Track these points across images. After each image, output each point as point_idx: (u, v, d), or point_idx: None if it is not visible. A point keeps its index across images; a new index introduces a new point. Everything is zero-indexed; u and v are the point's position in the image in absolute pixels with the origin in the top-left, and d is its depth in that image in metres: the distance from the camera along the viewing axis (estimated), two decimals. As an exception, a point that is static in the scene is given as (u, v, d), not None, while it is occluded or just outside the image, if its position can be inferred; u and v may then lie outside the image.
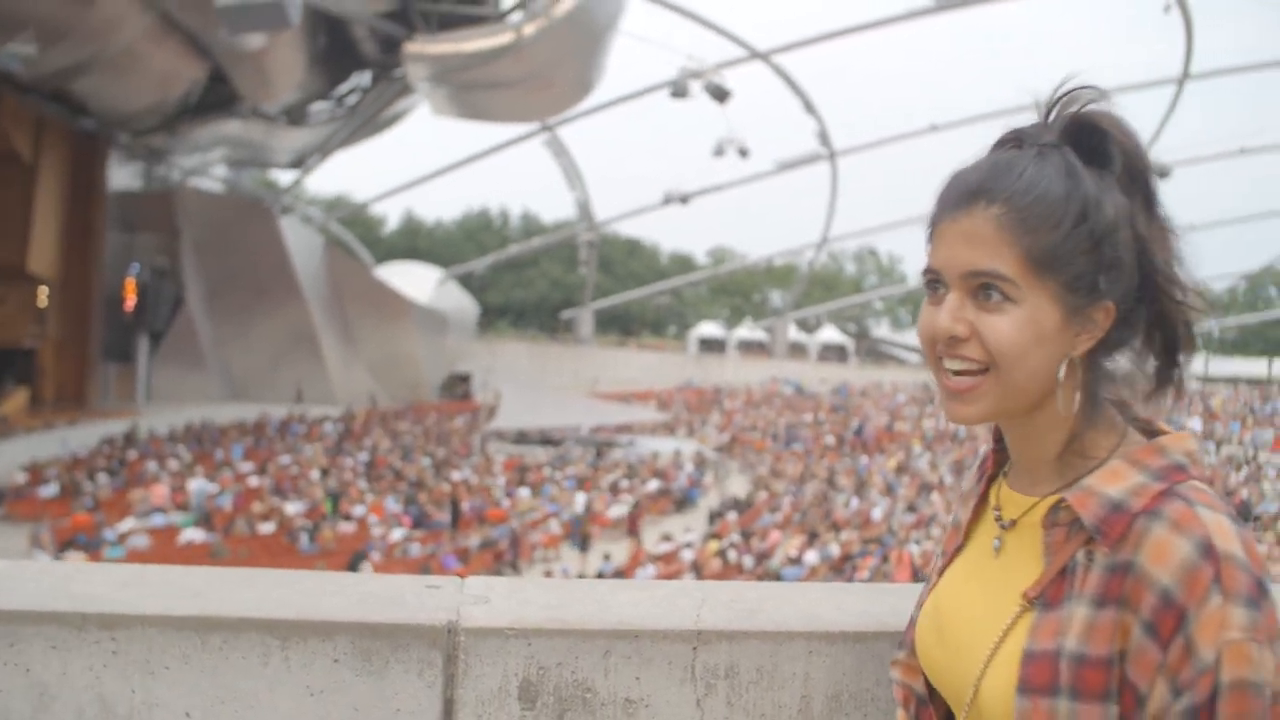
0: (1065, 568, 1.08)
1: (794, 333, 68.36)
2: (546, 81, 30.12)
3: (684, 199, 45.90)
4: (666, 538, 20.81)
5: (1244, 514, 22.06)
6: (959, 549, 1.27)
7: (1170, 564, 0.99)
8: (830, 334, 72.74)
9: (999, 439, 1.27)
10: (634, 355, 61.44)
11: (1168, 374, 1.14)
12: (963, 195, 1.10)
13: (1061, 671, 1.03)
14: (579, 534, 21.30)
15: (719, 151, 35.65)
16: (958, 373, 1.12)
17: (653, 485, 27.29)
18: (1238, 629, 0.96)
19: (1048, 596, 1.08)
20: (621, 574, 17.05)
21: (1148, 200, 1.10)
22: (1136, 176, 1.10)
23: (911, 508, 24.88)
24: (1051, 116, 1.13)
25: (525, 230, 70.54)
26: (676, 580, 2.07)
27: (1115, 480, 1.08)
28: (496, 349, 54.40)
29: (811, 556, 18.24)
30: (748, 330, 71.85)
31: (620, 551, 19.88)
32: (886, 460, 32.65)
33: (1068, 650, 1.03)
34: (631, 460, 32.09)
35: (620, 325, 74.84)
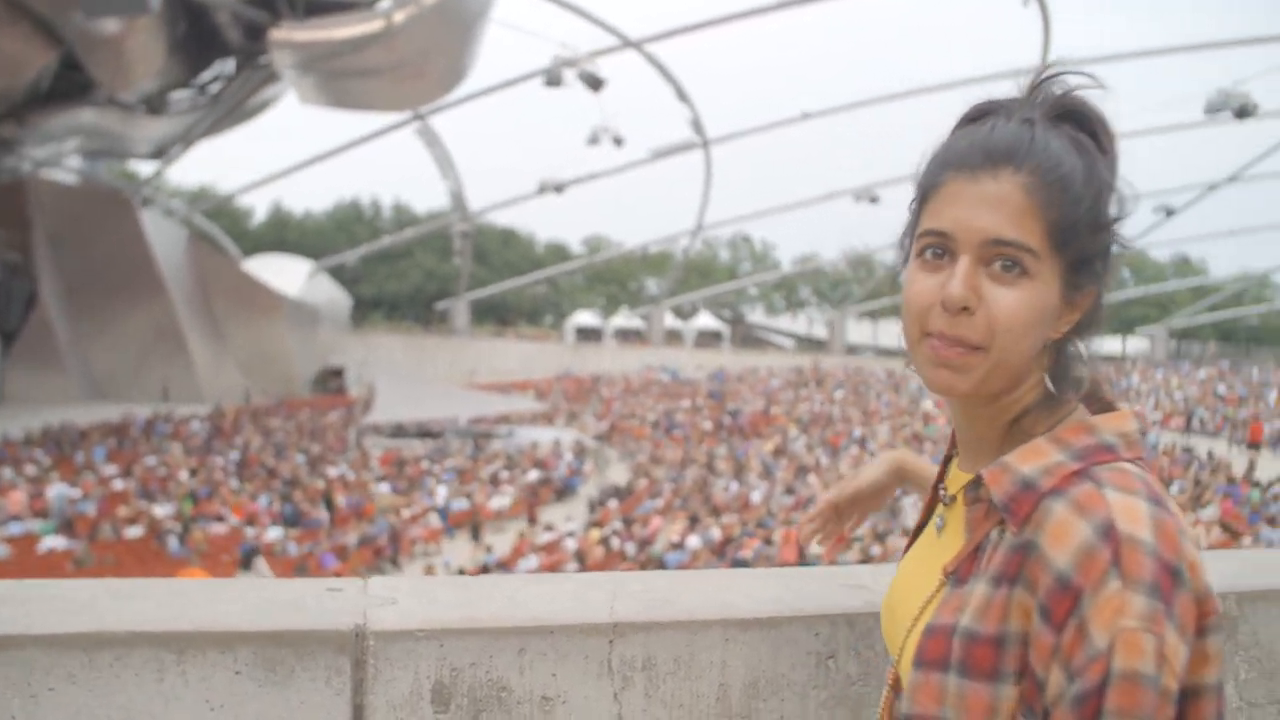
0: (979, 545, 1.07)
1: (670, 320, 68.85)
2: (418, 69, 29.59)
3: (559, 188, 45.70)
4: (549, 527, 20.75)
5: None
6: (920, 528, 1.27)
7: (1068, 546, 0.95)
8: (706, 320, 73.46)
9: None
10: (511, 345, 61.03)
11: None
12: (988, 156, 1.03)
13: (954, 648, 1.02)
14: (471, 525, 21.18)
15: (593, 140, 35.60)
16: (944, 344, 1.04)
17: (533, 475, 27.19)
18: (1134, 617, 0.91)
19: (960, 573, 1.07)
20: (504, 566, 16.94)
21: (1117, 189, 1.08)
22: (1113, 165, 1.08)
23: (790, 490, 25.30)
24: (1038, 96, 1.08)
25: (398, 221, 69.30)
26: (587, 573, 2.01)
27: (1032, 458, 1.04)
28: (371, 342, 53.43)
29: (693, 541, 18.40)
30: (624, 318, 72.09)
31: (502, 543, 19.75)
32: (764, 444, 33.16)
33: (962, 627, 1.02)
34: (511, 451, 31.91)
35: (496, 315, 74.24)
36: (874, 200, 45.71)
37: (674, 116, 39.77)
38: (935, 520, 1.21)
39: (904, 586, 1.20)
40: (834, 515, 1.61)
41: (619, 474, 29.93)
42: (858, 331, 73.85)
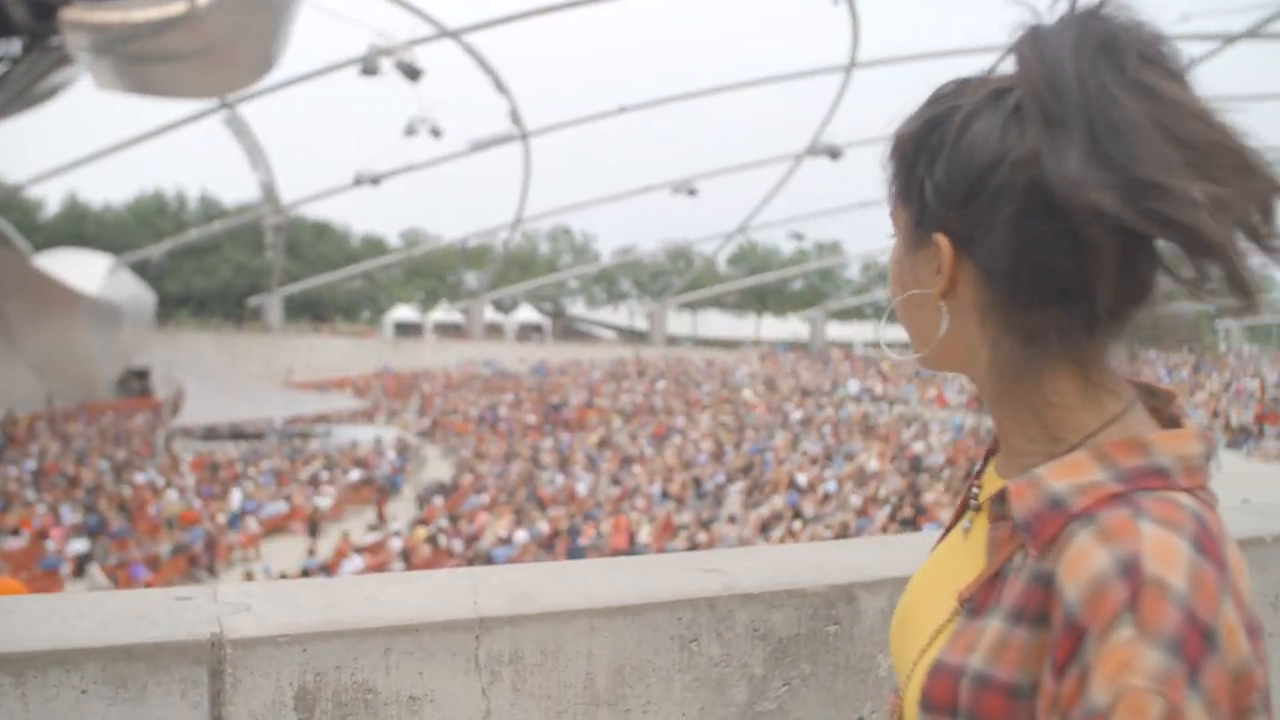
0: (1000, 570, 0.93)
1: (491, 314, 68.39)
2: (225, 55, 28.38)
3: (375, 180, 44.75)
4: (373, 527, 20.32)
5: (915, 467, 24.15)
6: (945, 533, 1.13)
7: (1080, 577, 0.80)
8: (527, 314, 73.30)
9: None
10: (328, 342, 59.41)
11: (1106, 318, 0.96)
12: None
13: (963, 692, 0.89)
14: (310, 523, 20.60)
15: (411, 131, 34.99)
16: None
17: (354, 475, 26.57)
18: (1144, 675, 0.75)
19: (976, 602, 0.93)
20: (327, 569, 16.50)
21: (1050, 106, 0.89)
22: (1029, 84, 0.91)
23: (615, 481, 25.50)
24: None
25: (205, 214, 66.28)
26: (446, 569, 1.97)
27: (1068, 473, 0.89)
28: (178, 341, 51.03)
29: (521, 535, 18.34)
30: (444, 313, 71.21)
31: (324, 545, 19.23)
32: (588, 436, 33.31)
33: (972, 669, 0.88)
34: (330, 450, 31.10)
35: (312, 311, 72.12)
36: (692, 193, 46.49)
37: (494, 108, 39.43)
38: (963, 524, 1.07)
39: (917, 602, 1.06)
40: None
41: (443, 470, 29.57)
42: (678, 322, 74.98)
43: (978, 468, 1.10)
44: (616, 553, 18.38)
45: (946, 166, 0.92)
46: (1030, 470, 0.91)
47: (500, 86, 38.64)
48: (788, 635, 1.66)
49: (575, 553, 16.71)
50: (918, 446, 27.18)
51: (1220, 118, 0.85)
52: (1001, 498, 0.96)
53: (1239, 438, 28.55)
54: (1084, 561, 0.80)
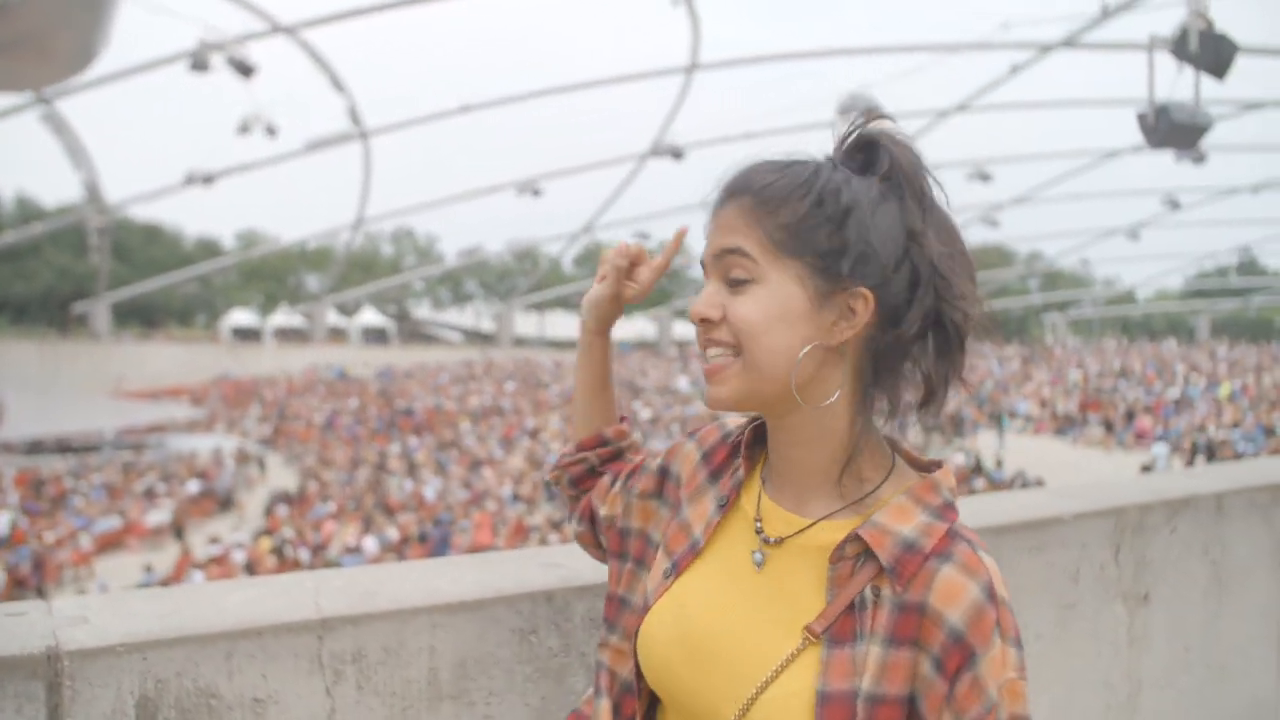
0: (852, 603, 1.07)
1: (334, 317, 66.84)
2: (40, 47, 26.90)
3: (208, 179, 43.11)
4: (215, 540, 19.66)
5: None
6: (696, 551, 1.23)
7: (960, 606, 1.03)
8: (371, 317, 71.93)
9: (749, 444, 1.27)
10: (161, 349, 57.13)
11: (933, 380, 1.15)
12: (721, 195, 1.17)
13: (858, 713, 1.02)
14: (174, 529, 19.72)
15: (244, 129, 33.83)
16: (714, 357, 1.14)
17: (193, 486, 25.61)
18: (1013, 668, 1.04)
19: (834, 633, 1.06)
20: (169, 584, 15.89)
21: (919, 200, 1.12)
22: (903, 178, 1.12)
23: (465, 484, 25.29)
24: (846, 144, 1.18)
25: (21, 215, 62.80)
26: (291, 573, 1.96)
27: (904, 519, 1.09)
28: (-5, 350, 48.30)
29: (370, 543, 18.04)
30: (285, 316, 69.27)
31: (162, 560, 18.51)
32: (436, 439, 32.93)
33: (865, 691, 1.02)
34: (167, 462, 29.91)
35: (142, 317, 69.18)
36: (537, 193, 46.32)
37: (332, 106, 38.50)
38: (754, 555, 1.17)
39: (718, 631, 1.14)
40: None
41: (287, 479, 28.77)
42: (525, 324, 74.75)
43: (715, 494, 1.26)
44: (479, 549, 18.27)
45: (877, 236, 1.10)
46: (870, 521, 1.10)
47: (338, 84, 37.76)
48: (623, 624, 1.73)
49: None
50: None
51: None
52: (844, 544, 1.10)
53: (1064, 425, 30.16)
54: (960, 593, 1.04)
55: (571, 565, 1.80)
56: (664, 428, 32.22)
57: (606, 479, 1.49)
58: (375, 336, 69.50)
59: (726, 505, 1.23)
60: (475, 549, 17.97)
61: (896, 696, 1.03)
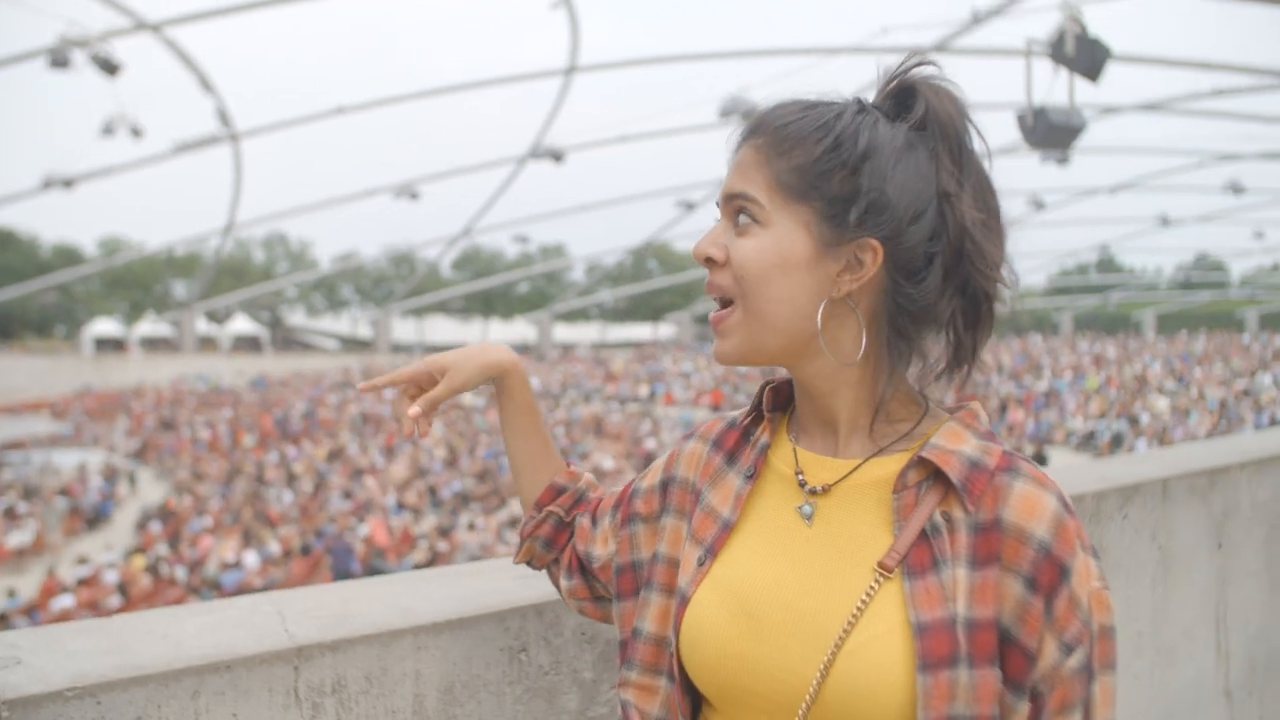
0: (923, 531, 1.02)
1: (204, 326, 64.68)
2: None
3: (68, 183, 41.26)
4: (83, 560, 18.73)
5: (649, 463, 24.73)
6: (729, 529, 1.15)
7: (1043, 519, 0.99)
8: (243, 324, 69.91)
9: (772, 406, 1.22)
10: (18, 361, 54.39)
11: (962, 347, 1.10)
12: (743, 133, 1.10)
13: (959, 640, 0.97)
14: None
15: (108, 131, 32.44)
16: (719, 308, 1.10)
17: (59, 504, 24.41)
18: (1096, 578, 1.00)
19: (911, 564, 1.01)
20: (33, 610, 15.07)
21: (955, 155, 1.06)
22: (939, 130, 1.06)
23: (347, 494, 24.68)
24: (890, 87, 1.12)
25: None
26: (245, 596, 1.77)
27: (961, 441, 1.06)
28: None
29: (251, 558, 17.41)
30: (151, 326, 66.83)
31: (26, 584, 17.56)
32: (315, 449, 32.09)
33: (962, 616, 0.97)
34: (28, 479, 28.46)
35: (-4, 328, 65.94)
36: (415, 196, 45.61)
37: (201, 107, 37.17)
38: (801, 510, 1.11)
39: (780, 595, 1.07)
40: (425, 381, 1.38)
41: (159, 493, 27.68)
42: (404, 329, 73.65)
43: (738, 471, 1.19)
44: (375, 546, 17.83)
45: (894, 186, 1.03)
46: (930, 444, 1.06)
47: (206, 84, 36.55)
48: (615, 637, 1.62)
49: (342, 570, 15.89)
50: (650, 444, 27.84)
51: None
52: (905, 471, 1.06)
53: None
54: (1040, 505, 1.00)
55: (541, 575, 1.68)
56: (548, 430, 32.00)
57: (585, 521, 1.38)
58: (248, 345, 67.56)
59: (755, 475, 1.17)
60: (369, 546, 17.59)
61: (990, 619, 0.98)
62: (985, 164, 1.10)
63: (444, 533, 19.07)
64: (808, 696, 0.99)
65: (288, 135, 42.76)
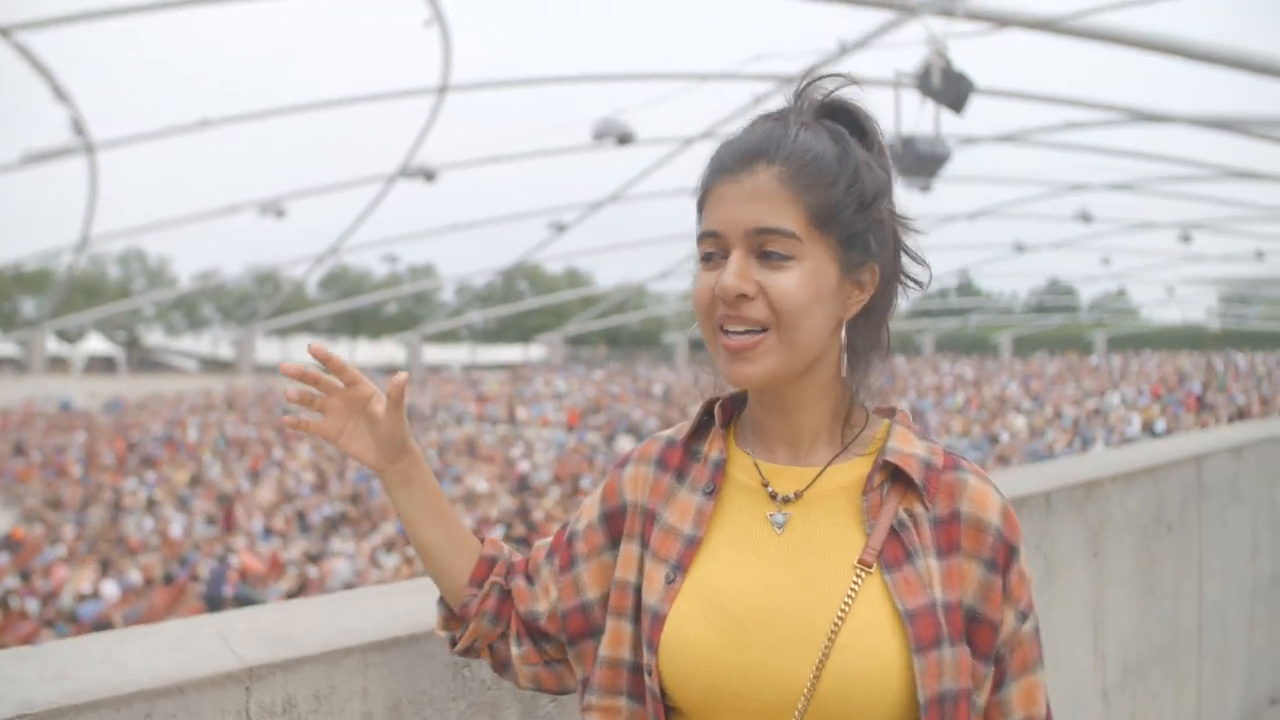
0: (891, 528, 1.11)
1: (54, 345, 61.88)
2: None
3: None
4: (-79, 593, 17.69)
5: (523, 485, 24.58)
6: (696, 544, 1.17)
7: (993, 509, 1.14)
8: (97, 344, 67.18)
9: (723, 423, 1.25)
10: None
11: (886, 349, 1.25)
12: (743, 156, 1.11)
13: (941, 622, 1.07)
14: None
15: (-49, 141, 30.90)
16: (740, 333, 1.10)
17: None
18: (1027, 561, 1.18)
19: (886, 558, 1.09)
20: None
21: (888, 171, 1.19)
22: (884, 158, 1.18)
23: (211, 519, 23.89)
24: (802, 101, 1.17)
25: None
26: (185, 619, 1.72)
27: (911, 443, 1.18)
28: None
29: (110, 588, 16.71)
30: (-4, 345, 63.58)
31: None
32: (176, 473, 30.98)
33: (940, 601, 1.08)
34: None
35: None
36: (280, 214, 44.53)
37: (54, 117, 35.58)
38: (772, 519, 1.16)
39: (766, 602, 1.10)
40: (340, 382, 1.28)
41: (6, 522, 26.33)
42: (267, 350, 71.74)
43: (695, 487, 1.21)
44: (250, 572, 17.25)
45: (887, 215, 1.17)
46: (888, 449, 1.16)
47: (60, 93, 35.09)
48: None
49: (215, 600, 15.29)
50: (524, 465, 27.72)
51: None
52: (872, 475, 1.15)
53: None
54: (989, 498, 1.14)
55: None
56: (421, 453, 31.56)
57: (520, 582, 1.34)
58: (102, 365, 64.88)
59: (715, 490, 1.20)
60: (246, 574, 17.06)
61: (957, 601, 1.09)
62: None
63: (313, 559, 18.63)
64: (804, 695, 1.03)
65: (150, 149, 41.30)
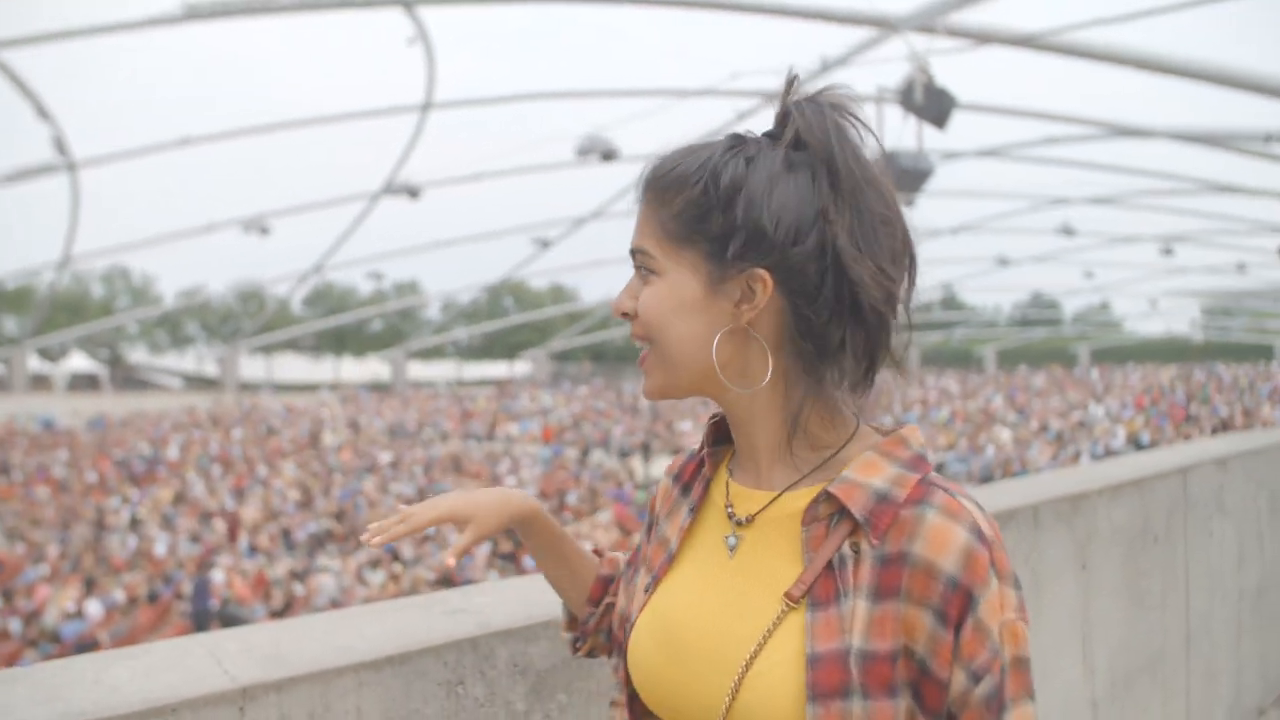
0: (829, 563, 1.03)
1: (36, 363, 61.55)
2: None
3: (-114, 214, 38.85)
4: (-97, 614, 17.53)
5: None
6: (671, 558, 1.20)
7: (951, 551, 0.98)
8: (80, 362, 66.84)
9: (714, 440, 1.25)
10: None
11: (858, 367, 1.10)
12: (638, 192, 1.16)
13: (852, 671, 0.98)
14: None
15: (-68, 159, 30.78)
16: (640, 349, 1.15)
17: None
18: (1012, 609, 1.00)
19: (815, 595, 1.02)
20: None
21: (828, 171, 1.07)
22: (813, 149, 1.07)
23: (195, 538, 23.74)
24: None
25: None
26: (172, 639, 1.70)
27: (873, 472, 1.06)
28: None
29: (94, 607, 16.59)
30: (-23, 364, 63.17)
31: None
32: (161, 492, 30.80)
33: (856, 648, 0.99)
34: None
35: None
36: (264, 231, 44.44)
37: (36, 135, 35.49)
38: (726, 541, 1.15)
39: (699, 622, 1.11)
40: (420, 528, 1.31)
41: (-12, 542, 26.11)
42: (252, 367, 71.54)
43: (684, 501, 1.24)
44: (239, 599, 17.15)
45: (769, 215, 1.05)
46: (840, 476, 1.07)
47: (43, 112, 35.01)
48: (545, 668, 1.65)
49: (201, 616, 15.19)
50: (510, 481, 27.67)
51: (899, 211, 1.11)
52: (815, 503, 1.07)
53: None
54: (948, 538, 0.99)
55: (471, 608, 1.70)
56: (406, 470, 31.51)
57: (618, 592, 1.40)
58: (85, 383, 64.54)
59: (696, 508, 1.22)
60: (235, 597, 16.96)
61: (888, 652, 0.99)
62: (875, 175, 1.09)
63: (298, 576, 18.53)
64: (719, 717, 1.03)
65: (133, 166, 41.20)
